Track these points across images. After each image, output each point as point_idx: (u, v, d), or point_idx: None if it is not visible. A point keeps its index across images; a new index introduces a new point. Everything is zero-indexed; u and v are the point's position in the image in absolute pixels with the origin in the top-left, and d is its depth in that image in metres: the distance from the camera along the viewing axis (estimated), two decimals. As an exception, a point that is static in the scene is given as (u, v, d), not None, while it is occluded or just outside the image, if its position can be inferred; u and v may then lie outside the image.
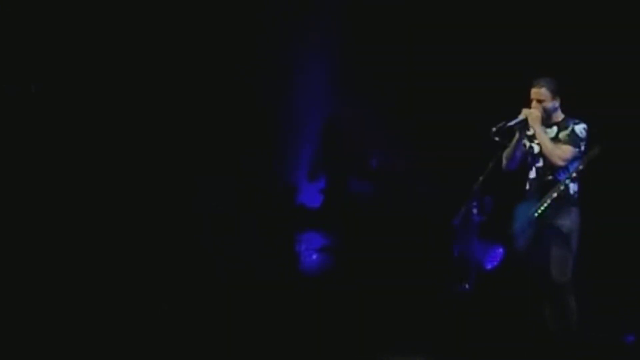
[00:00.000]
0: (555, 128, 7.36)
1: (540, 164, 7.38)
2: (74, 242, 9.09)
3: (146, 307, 8.29)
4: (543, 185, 7.33)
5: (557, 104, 7.36)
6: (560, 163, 7.26)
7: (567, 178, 7.24)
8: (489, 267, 9.37)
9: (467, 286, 8.43)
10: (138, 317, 8.01)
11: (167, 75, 9.86)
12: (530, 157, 7.45)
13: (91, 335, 7.40)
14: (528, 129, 7.36)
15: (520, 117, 7.29)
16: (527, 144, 7.44)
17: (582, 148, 7.28)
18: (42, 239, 9.02)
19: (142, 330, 7.70)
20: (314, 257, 10.07)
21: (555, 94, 7.33)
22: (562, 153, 7.26)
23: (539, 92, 7.31)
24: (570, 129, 7.29)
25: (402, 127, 10.26)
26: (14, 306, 7.84)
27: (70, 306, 7.98)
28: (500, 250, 9.24)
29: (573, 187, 7.29)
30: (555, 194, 7.22)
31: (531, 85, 7.36)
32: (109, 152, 9.60)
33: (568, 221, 7.26)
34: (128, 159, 9.65)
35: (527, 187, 7.48)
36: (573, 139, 7.26)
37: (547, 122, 7.35)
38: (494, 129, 7.27)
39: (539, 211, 7.25)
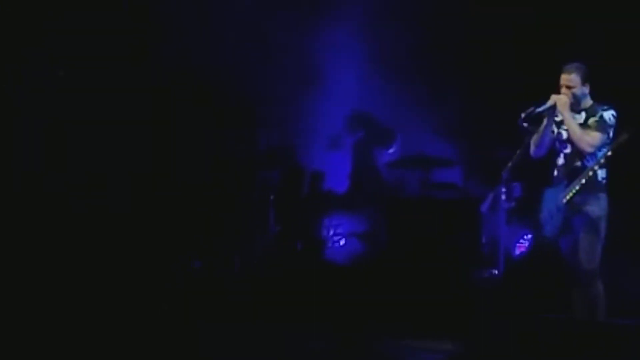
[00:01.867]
0: (583, 114, 7.33)
1: (568, 150, 7.35)
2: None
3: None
4: (571, 172, 7.31)
5: (586, 90, 7.32)
6: (589, 149, 7.23)
7: (595, 164, 7.21)
8: (517, 253, 9.37)
9: (495, 272, 8.45)
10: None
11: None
12: (558, 143, 7.42)
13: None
14: (557, 115, 7.33)
15: (549, 103, 7.26)
16: (556, 130, 7.41)
17: (611, 134, 7.25)
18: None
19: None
20: (342, 242, 10.09)
21: (585, 80, 7.30)
22: (590, 139, 7.22)
23: (568, 78, 7.28)
24: (599, 115, 7.26)
25: (431, 114, 10.29)
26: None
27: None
28: (529, 236, 9.23)
29: (601, 174, 7.26)
30: (583, 180, 7.20)
31: (561, 71, 7.34)
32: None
33: (596, 207, 7.23)
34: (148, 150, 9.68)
35: (555, 173, 7.45)
36: (602, 125, 7.23)
37: (575, 108, 7.32)
38: (522, 115, 7.25)
39: (567, 197, 7.24)
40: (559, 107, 7.25)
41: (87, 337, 7.34)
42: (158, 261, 9.19)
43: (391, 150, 10.53)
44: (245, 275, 9.31)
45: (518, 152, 7.46)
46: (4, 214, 9.02)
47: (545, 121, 7.34)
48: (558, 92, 7.30)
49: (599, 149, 7.23)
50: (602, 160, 7.21)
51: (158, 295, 8.55)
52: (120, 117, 9.60)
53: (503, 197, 7.81)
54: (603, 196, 7.27)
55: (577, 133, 7.23)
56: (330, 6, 10.45)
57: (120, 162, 9.65)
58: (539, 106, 7.28)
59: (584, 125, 7.29)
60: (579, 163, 7.29)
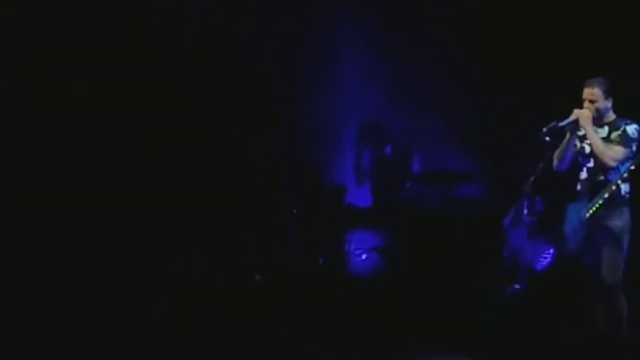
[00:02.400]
0: (606, 128, 7.31)
1: (591, 164, 7.34)
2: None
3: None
4: (594, 186, 7.29)
5: (609, 104, 7.31)
6: (612, 164, 7.22)
7: (618, 178, 7.19)
8: (539, 267, 9.34)
9: (517, 286, 8.42)
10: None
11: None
12: (581, 158, 7.41)
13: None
14: (579, 129, 7.32)
15: (572, 117, 7.25)
16: (578, 144, 7.40)
17: (634, 148, 7.23)
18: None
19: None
20: (364, 256, 10.09)
21: (608, 94, 7.29)
22: (613, 153, 7.21)
23: (591, 92, 7.27)
24: (622, 129, 7.24)
25: (452, 128, 10.29)
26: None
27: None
28: (551, 250, 9.21)
29: (624, 188, 7.24)
30: (606, 195, 7.18)
31: (583, 85, 7.34)
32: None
33: (619, 222, 7.21)
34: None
35: (578, 187, 7.43)
36: (625, 140, 7.21)
37: (598, 122, 7.30)
38: (544, 129, 7.24)
39: (590, 212, 7.22)
40: (582, 122, 7.24)
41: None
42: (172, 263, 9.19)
43: (412, 165, 10.54)
44: (266, 287, 9.31)
45: (540, 166, 7.46)
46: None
47: (567, 135, 7.33)
48: (581, 107, 7.29)
49: (622, 163, 7.21)
50: (625, 175, 7.19)
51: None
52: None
53: (525, 211, 7.82)
54: (626, 210, 7.25)
55: (600, 147, 7.22)
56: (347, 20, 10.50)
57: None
58: (562, 120, 7.27)
59: (606, 139, 7.27)
60: (601, 177, 7.27)
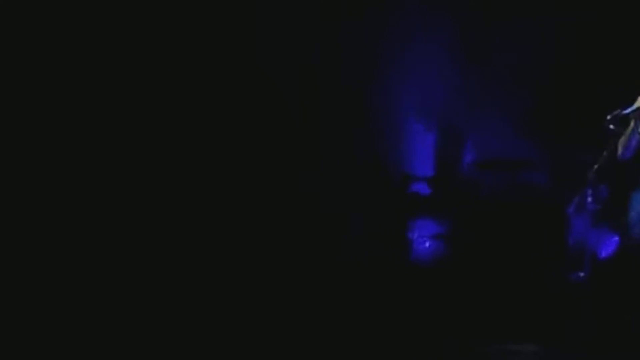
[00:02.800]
0: (671, 116, 7.27)
1: (656, 152, 7.30)
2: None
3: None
4: (659, 174, 7.27)
5: (675, 92, 7.27)
6: (676, 151, 7.18)
7: (683, 166, 7.16)
8: (603, 255, 9.30)
9: (581, 274, 8.41)
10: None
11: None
12: (645, 146, 7.37)
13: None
14: (644, 117, 7.29)
15: (636, 105, 7.22)
16: (643, 132, 7.37)
17: (699, 136, 7.19)
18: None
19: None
20: (427, 244, 10.12)
21: (673, 81, 7.25)
22: (678, 141, 7.17)
23: (656, 79, 7.24)
24: (687, 117, 7.20)
25: (515, 115, 10.26)
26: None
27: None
28: (616, 239, 9.15)
29: (690, 176, 7.22)
30: (671, 182, 7.16)
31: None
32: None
33: (685, 210, 7.18)
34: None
35: (643, 175, 7.41)
36: (690, 127, 7.17)
37: (663, 110, 7.26)
38: (608, 117, 7.22)
39: (655, 200, 7.20)
40: (646, 110, 7.21)
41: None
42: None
43: (473, 152, 10.52)
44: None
45: (604, 154, 7.43)
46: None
47: (632, 123, 7.29)
48: (645, 95, 7.26)
49: (687, 150, 7.17)
50: (690, 162, 7.15)
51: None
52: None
53: (589, 199, 7.78)
54: (692, 198, 7.21)
55: (665, 135, 7.19)
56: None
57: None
58: (625, 108, 7.23)
59: (671, 127, 7.23)
60: (666, 165, 7.24)
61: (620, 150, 7.40)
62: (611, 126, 7.25)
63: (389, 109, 10.53)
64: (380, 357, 7.52)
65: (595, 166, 7.51)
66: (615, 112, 7.22)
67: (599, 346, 7.40)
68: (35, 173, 8.66)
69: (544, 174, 10.23)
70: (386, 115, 10.52)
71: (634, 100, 7.24)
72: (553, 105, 9.82)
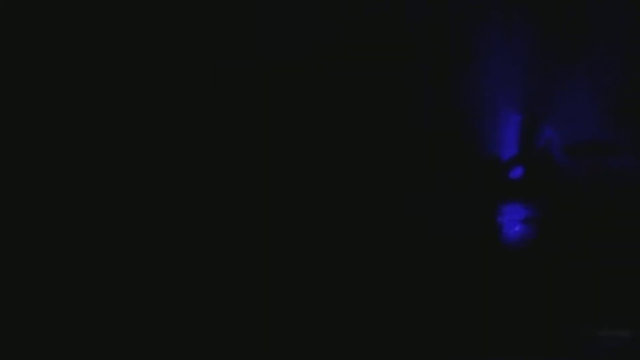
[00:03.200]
0: None
1: None
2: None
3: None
4: None
5: None
6: None
7: None
8: None
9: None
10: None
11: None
12: None
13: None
14: None
15: None
16: None
17: None
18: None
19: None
20: (517, 228, 10.11)
21: None
22: None
23: None
24: None
25: (602, 96, 10.17)
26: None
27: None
28: None
29: None
30: None
31: None
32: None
33: None
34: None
35: None
36: None
37: None
38: None
39: None
40: None
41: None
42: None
43: (561, 136, 10.46)
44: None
45: None
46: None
47: None
48: None
49: None
50: None
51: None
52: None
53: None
54: None
55: None
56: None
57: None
58: None
59: None
60: None
61: None
62: None
63: (480, 92, 10.51)
64: (470, 341, 7.56)
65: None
66: None
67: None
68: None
69: (635, 158, 10.16)
70: (478, 100, 10.51)
71: None
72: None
